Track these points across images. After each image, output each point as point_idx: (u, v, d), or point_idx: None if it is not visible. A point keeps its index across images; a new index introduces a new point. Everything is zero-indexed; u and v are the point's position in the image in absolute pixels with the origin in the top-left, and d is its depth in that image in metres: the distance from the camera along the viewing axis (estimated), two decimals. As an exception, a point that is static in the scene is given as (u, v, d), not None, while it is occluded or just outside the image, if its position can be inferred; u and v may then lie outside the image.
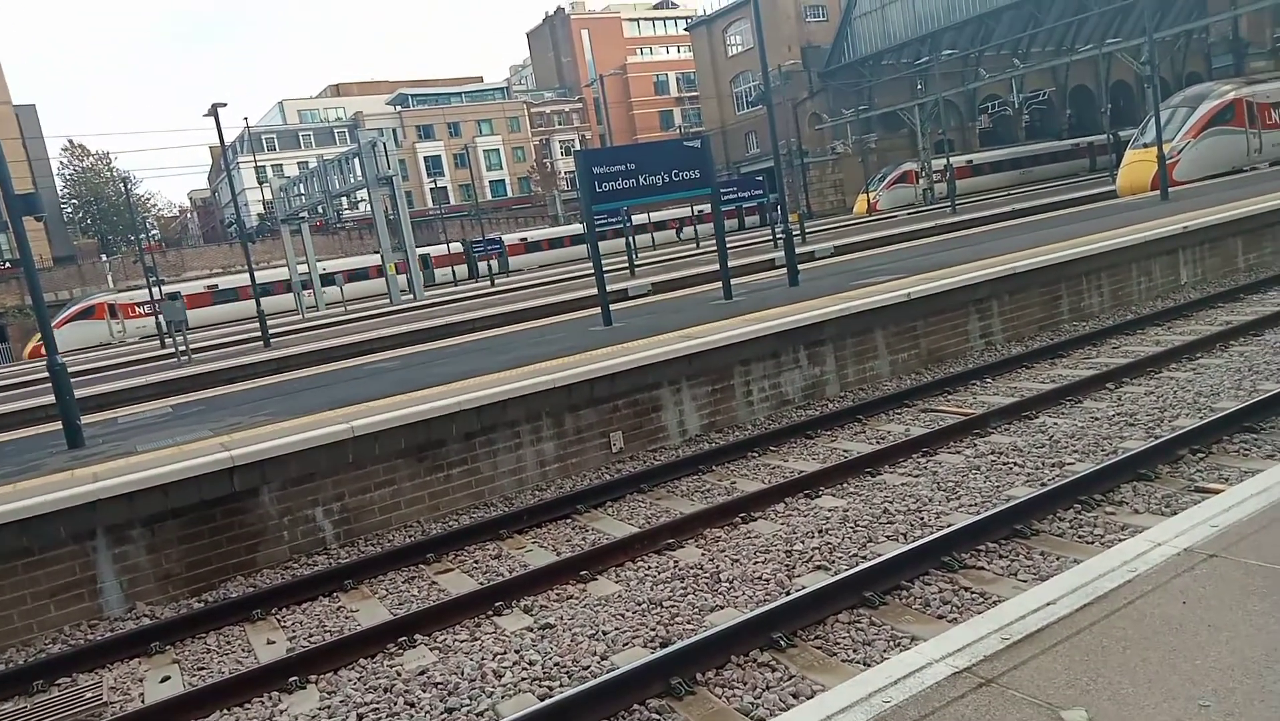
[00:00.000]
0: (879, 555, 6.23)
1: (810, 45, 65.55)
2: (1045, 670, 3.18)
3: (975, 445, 8.71)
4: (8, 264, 62.56)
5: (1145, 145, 28.69)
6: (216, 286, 51.45)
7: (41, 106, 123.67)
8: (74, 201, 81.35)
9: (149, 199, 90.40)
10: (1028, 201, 38.43)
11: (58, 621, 7.49)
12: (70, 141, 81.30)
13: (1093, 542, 6.08)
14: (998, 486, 7.44)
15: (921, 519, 6.97)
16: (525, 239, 61.29)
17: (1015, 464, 7.92)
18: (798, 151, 59.09)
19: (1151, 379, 10.11)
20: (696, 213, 53.65)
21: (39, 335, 45.69)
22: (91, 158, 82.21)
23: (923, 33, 58.21)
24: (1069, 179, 58.28)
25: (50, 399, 11.92)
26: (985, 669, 3.23)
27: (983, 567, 5.93)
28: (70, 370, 11.06)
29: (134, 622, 7.47)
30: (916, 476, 8.08)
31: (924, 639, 4.76)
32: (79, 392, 12.39)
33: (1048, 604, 3.64)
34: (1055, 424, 8.95)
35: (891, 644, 5.14)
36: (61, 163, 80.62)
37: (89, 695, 6.04)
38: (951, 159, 46.62)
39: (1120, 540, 5.69)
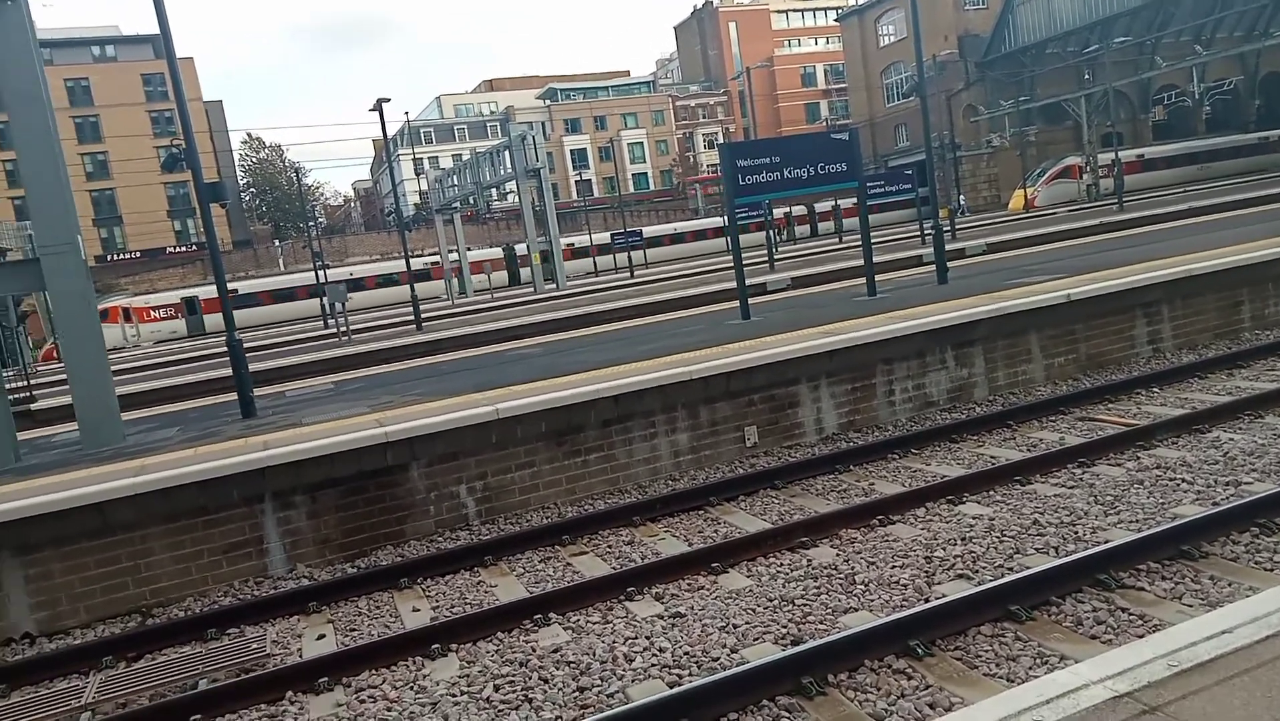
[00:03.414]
0: (1027, 567, 5.94)
1: (968, 34, 62.76)
2: (1220, 703, 2.94)
3: (1138, 458, 8.13)
4: (194, 246, 68.48)
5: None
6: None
7: (226, 102, 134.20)
8: (251, 190, 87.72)
9: (317, 188, 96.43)
10: (1206, 199, 35.49)
11: (229, 576, 8.14)
12: (249, 134, 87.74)
13: (1272, 570, 5.58)
14: (1162, 503, 6.94)
15: (1075, 532, 6.58)
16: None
17: (1183, 480, 7.35)
18: (950, 145, 56.75)
19: (1349, 396, 9.15)
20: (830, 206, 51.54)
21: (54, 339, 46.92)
22: (267, 149, 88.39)
23: (1093, 19, 54.59)
24: (1255, 175, 53.37)
25: (227, 371, 12.95)
26: (1150, 696, 3.02)
27: (1143, 588, 5.54)
28: (245, 346, 11.98)
29: (294, 582, 8.04)
30: (1071, 488, 7.63)
31: (1075, 659, 4.52)
32: (252, 367, 13.39)
33: (1222, 631, 3.36)
34: (1231, 439, 8.24)
35: (1038, 661, 4.89)
36: (241, 154, 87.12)
37: (254, 645, 6.53)
38: (1120, 153, 43.54)
39: (1307, 570, 5.20)
